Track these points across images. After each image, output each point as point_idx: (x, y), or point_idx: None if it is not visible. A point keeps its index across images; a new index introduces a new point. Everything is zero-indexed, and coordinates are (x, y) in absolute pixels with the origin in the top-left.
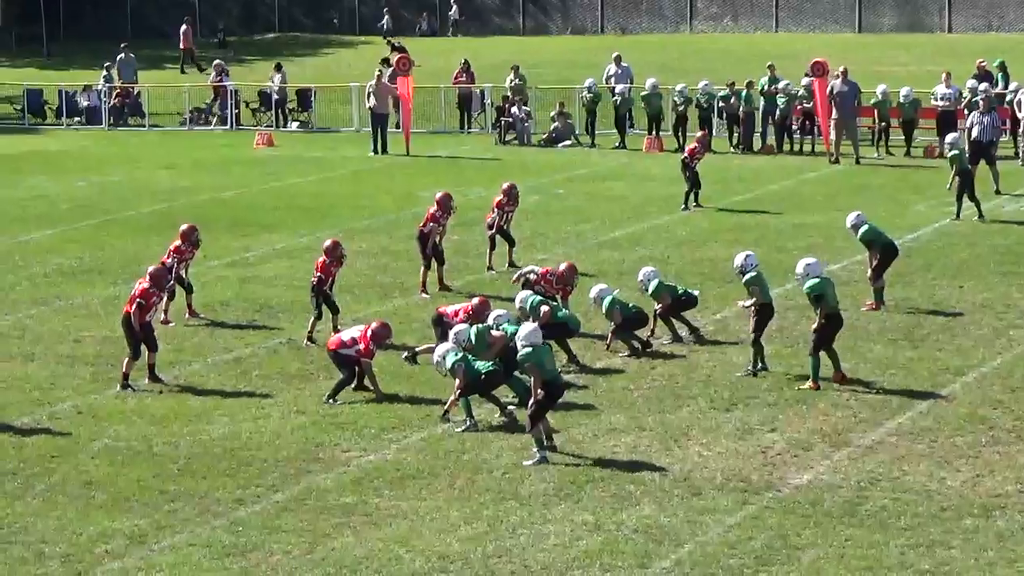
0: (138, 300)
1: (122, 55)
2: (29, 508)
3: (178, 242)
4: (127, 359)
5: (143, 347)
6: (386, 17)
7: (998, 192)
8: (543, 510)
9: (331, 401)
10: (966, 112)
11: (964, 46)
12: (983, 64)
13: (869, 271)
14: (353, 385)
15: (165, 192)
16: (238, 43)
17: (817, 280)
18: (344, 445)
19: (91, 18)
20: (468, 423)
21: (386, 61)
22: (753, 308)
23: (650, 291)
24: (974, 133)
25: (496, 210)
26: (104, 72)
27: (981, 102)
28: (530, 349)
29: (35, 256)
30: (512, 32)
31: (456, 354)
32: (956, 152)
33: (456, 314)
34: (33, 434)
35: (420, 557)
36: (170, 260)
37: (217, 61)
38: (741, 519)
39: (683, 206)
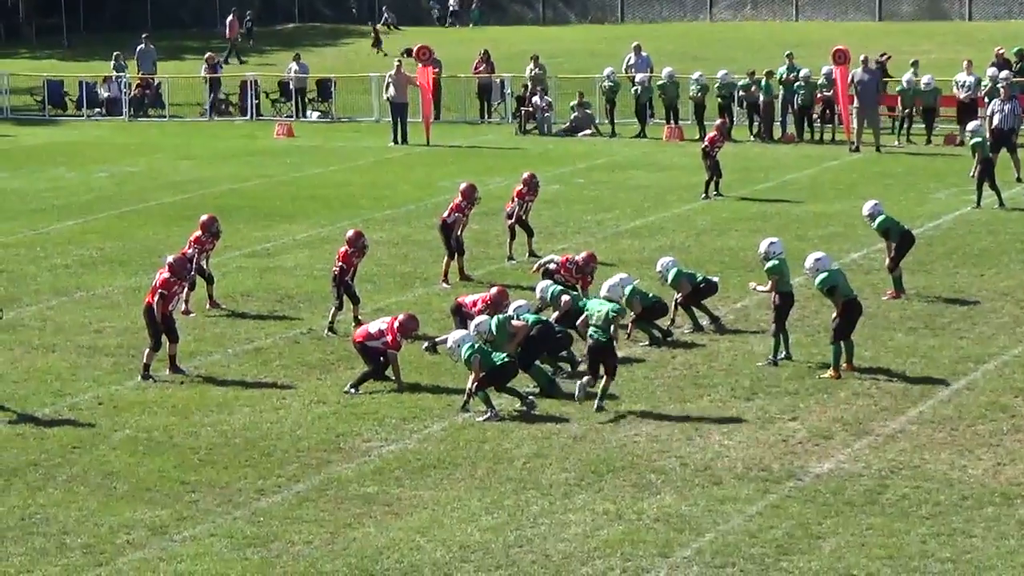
0: (160, 291)
1: (142, 45)
2: (51, 499)
3: (198, 232)
4: (148, 350)
5: (164, 338)
6: (385, 15)
7: (1019, 180)
8: (564, 499)
9: (352, 391)
10: (986, 100)
11: (984, 34)
12: (1001, 52)
13: (887, 260)
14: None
15: (185, 183)
16: (258, 33)
17: (827, 273)
18: (365, 435)
19: (111, 9)
20: (489, 413)
21: (408, 52)
22: (772, 298)
23: (669, 281)
24: (995, 121)
25: (516, 200)
26: (114, 61)
27: (1002, 90)
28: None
29: (56, 247)
30: (532, 22)
31: (472, 345)
32: (978, 140)
33: (474, 304)
34: (54, 425)
35: (441, 547)
36: (191, 251)
37: (208, 54)
38: (762, 508)
39: (703, 195)
